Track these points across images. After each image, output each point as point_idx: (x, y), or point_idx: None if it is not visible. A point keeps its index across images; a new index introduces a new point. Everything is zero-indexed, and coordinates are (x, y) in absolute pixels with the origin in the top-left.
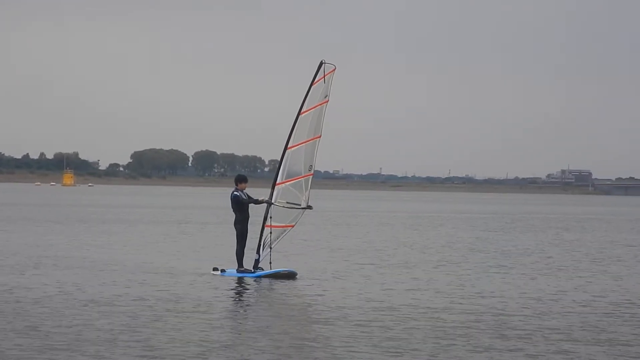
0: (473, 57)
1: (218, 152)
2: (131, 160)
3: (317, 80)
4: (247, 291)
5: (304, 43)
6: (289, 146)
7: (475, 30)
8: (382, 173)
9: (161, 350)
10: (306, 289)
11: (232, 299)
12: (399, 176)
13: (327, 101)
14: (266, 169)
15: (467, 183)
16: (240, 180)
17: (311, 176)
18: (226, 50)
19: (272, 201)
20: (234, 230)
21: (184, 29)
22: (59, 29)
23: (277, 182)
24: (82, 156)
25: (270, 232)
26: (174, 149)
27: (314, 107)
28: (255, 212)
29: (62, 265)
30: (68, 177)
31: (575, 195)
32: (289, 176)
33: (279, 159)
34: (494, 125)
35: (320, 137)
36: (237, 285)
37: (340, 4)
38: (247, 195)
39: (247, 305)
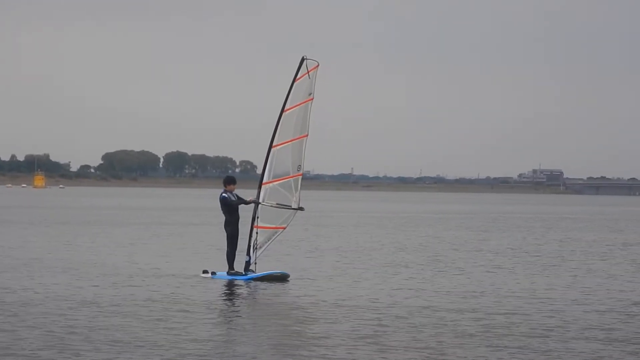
0: (446, 57)
1: (189, 153)
2: (102, 162)
3: (300, 77)
4: (239, 294)
5: (275, 42)
6: (273, 144)
7: (449, 30)
8: (354, 173)
9: (155, 350)
10: (300, 291)
11: (225, 301)
12: (371, 176)
13: (312, 99)
14: (237, 170)
15: (439, 183)
16: (229, 181)
17: (300, 176)
18: (196, 51)
19: (260, 201)
20: (224, 232)
21: (157, 30)
22: (38, 30)
23: (264, 181)
24: (53, 158)
25: (257, 233)
26: (145, 150)
27: (298, 105)
28: (245, 214)
29: (50, 267)
30: (39, 179)
31: (547, 195)
32: (276, 176)
33: (264, 158)
34: (465, 125)
35: (307, 135)
36: (228, 288)
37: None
38: (237, 196)
39: (240, 308)
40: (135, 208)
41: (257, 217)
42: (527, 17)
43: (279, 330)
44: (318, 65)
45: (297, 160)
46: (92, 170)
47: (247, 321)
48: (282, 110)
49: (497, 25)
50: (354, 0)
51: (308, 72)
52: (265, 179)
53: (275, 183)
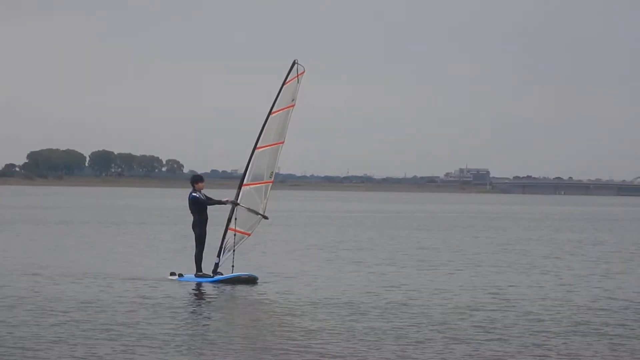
0: (375, 58)
1: (115, 152)
2: (27, 161)
3: (289, 80)
4: (208, 297)
5: (207, 36)
6: (257, 146)
7: (380, 27)
8: (281, 172)
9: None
10: (270, 290)
11: (193, 304)
12: (298, 175)
13: (293, 105)
14: (164, 169)
15: (366, 182)
16: (197, 180)
17: (271, 184)
18: (122, 47)
19: (238, 202)
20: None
21: (82, 28)
22: None
23: (244, 182)
24: None
25: (235, 235)
26: (71, 148)
27: (282, 109)
28: (212, 214)
29: (12, 269)
30: None
31: (475, 194)
32: (254, 179)
33: (248, 159)
34: (392, 124)
35: (283, 142)
36: (196, 290)
37: None
38: (205, 195)
39: (210, 311)
40: (82, 207)
41: (235, 219)
42: (466, 16)
43: (251, 335)
44: (304, 72)
45: (272, 167)
46: (17, 169)
47: (221, 321)
48: (270, 112)
49: (427, 25)
50: None
51: (297, 75)
52: (245, 181)
53: (251, 186)
